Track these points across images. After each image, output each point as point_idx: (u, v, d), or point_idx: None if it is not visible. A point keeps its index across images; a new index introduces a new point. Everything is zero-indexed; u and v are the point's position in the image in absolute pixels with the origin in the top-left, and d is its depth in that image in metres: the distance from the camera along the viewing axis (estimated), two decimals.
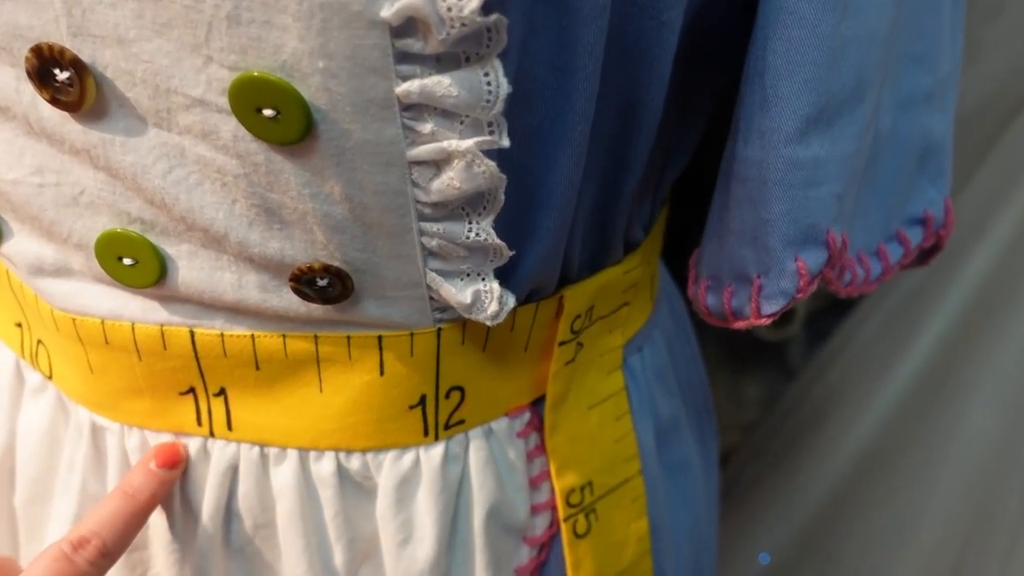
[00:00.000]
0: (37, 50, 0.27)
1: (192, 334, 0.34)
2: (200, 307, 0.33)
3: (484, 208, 0.29)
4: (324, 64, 0.25)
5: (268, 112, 0.26)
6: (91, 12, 0.26)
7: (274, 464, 0.37)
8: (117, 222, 0.31)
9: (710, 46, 0.34)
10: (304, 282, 0.31)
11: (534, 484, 0.41)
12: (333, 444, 0.36)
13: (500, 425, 0.39)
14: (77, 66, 0.27)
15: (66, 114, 0.29)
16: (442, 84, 0.25)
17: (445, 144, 0.26)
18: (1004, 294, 0.73)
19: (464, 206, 0.29)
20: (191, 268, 0.32)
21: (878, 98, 0.34)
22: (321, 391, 0.35)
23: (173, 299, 0.33)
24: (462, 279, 0.32)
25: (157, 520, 0.38)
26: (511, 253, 0.31)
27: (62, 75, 0.27)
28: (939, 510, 0.77)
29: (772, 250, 0.32)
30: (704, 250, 0.36)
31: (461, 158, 0.27)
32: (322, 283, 0.31)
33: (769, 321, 0.32)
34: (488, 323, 0.32)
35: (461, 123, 0.26)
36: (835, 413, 0.82)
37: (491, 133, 0.27)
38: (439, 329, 0.34)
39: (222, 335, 0.34)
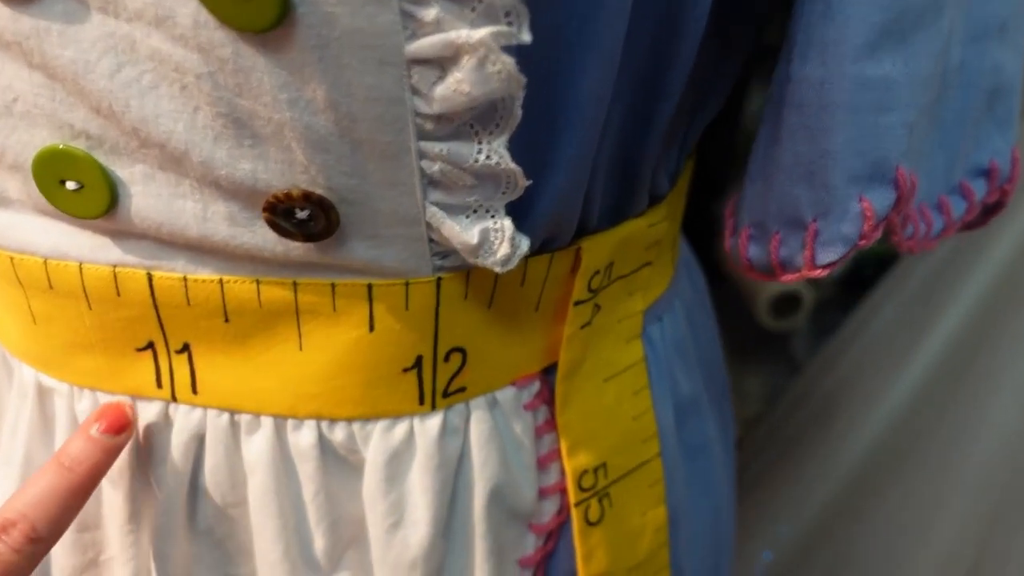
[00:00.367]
0: None
1: (150, 277, 0.29)
2: (159, 245, 0.28)
3: (497, 125, 0.24)
4: None
5: None
6: None
7: (246, 433, 0.32)
8: (58, 136, 0.26)
9: None
10: (280, 213, 0.26)
11: (542, 464, 0.36)
12: (314, 411, 0.31)
13: (506, 395, 0.34)
14: None
15: None
16: None
17: (453, 35, 0.22)
18: None
19: (473, 122, 0.24)
20: (147, 195, 0.27)
21: (952, 22, 0.29)
22: (301, 349, 0.30)
23: (127, 235, 0.28)
24: (468, 215, 0.27)
25: (112, 496, 0.33)
26: (527, 183, 0.26)
27: None
28: (955, 509, 0.75)
29: (832, 188, 0.27)
30: (746, 194, 0.31)
31: (472, 53, 0.22)
32: (302, 215, 0.26)
33: (824, 273, 0.27)
34: (497, 269, 0.28)
35: (472, 9, 0.22)
36: (844, 407, 0.79)
37: (509, 24, 0.22)
38: (439, 279, 0.30)
39: (185, 279, 0.29)
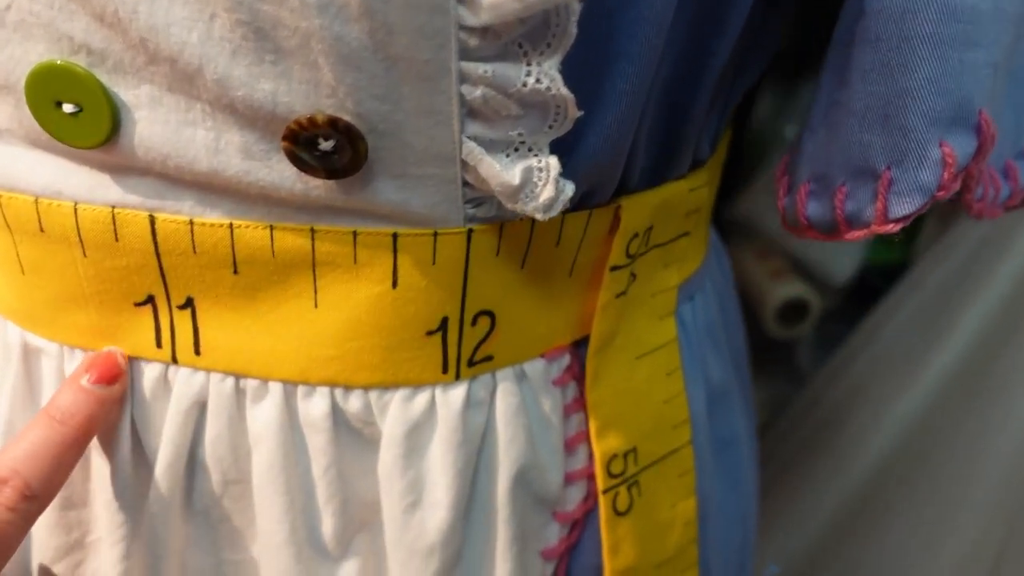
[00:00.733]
0: None
1: (152, 220, 0.26)
2: (164, 182, 0.26)
3: (548, 44, 0.22)
4: None
5: None
6: None
7: (252, 401, 0.29)
8: (56, 51, 0.23)
9: None
10: (303, 143, 0.23)
11: (569, 447, 0.33)
12: (328, 377, 0.28)
13: (535, 368, 0.31)
14: None
15: None
16: None
17: None
18: None
19: (521, 40, 0.22)
20: (152, 121, 0.24)
21: None
22: (316, 306, 0.27)
23: (129, 170, 0.25)
24: (508, 153, 0.24)
25: (101, 470, 0.30)
26: (579, 113, 0.23)
27: None
28: (966, 524, 0.73)
29: (911, 130, 0.24)
30: (804, 147, 0.28)
31: None
32: (326, 146, 0.23)
33: (896, 228, 0.25)
34: (538, 215, 0.25)
35: None
36: (852, 418, 0.78)
37: None
38: (470, 230, 0.27)
39: (191, 223, 0.26)
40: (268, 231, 0.26)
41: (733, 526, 0.43)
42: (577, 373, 0.33)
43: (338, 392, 0.29)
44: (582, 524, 0.34)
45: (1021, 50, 0.29)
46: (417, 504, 0.30)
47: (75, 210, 0.26)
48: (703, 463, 0.38)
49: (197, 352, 0.28)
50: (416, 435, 0.29)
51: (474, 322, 0.29)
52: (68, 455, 0.27)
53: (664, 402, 0.35)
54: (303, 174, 0.24)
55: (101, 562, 0.31)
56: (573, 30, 0.22)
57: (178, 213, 0.26)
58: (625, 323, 0.33)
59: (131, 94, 0.24)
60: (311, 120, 0.23)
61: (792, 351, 0.90)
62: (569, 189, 0.25)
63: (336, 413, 0.29)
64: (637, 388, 0.34)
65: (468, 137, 0.24)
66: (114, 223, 0.26)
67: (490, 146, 0.24)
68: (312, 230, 0.26)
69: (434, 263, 0.27)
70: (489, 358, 0.30)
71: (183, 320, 0.28)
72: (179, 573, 0.31)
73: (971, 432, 0.73)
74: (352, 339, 0.28)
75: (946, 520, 0.73)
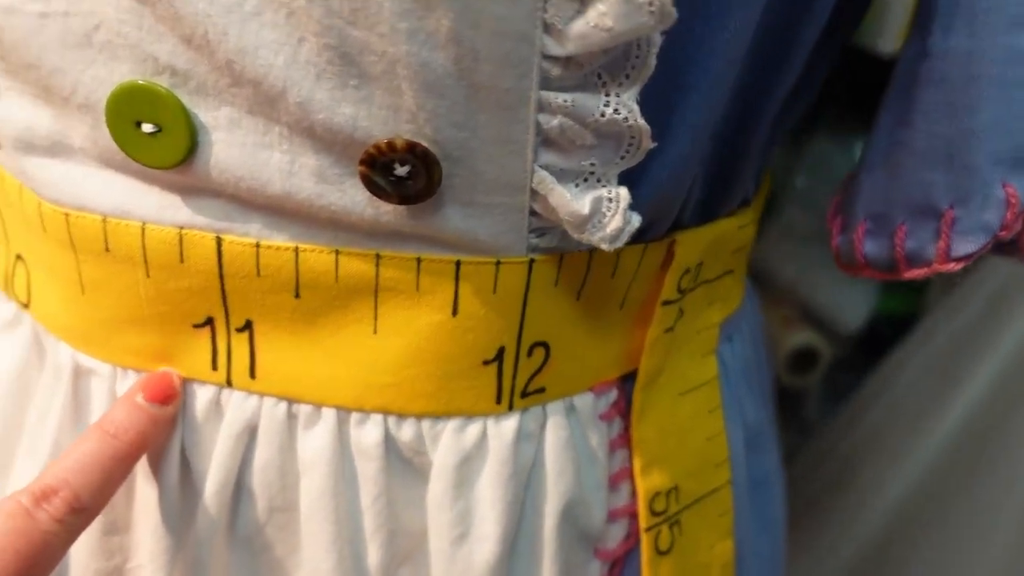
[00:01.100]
0: None
1: (219, 242, 0.26)
2: (233, 204, 0.26)
3: (627, 75, 0.22)
4: None
5: None
6: None
7: (304, 427, 0.29)
8: (139, 72, 0.24)
9: None
10: (379, 167, 0.24)
11: (613, 483, 0.33)
12: (383, 404, 0.28)
13: (584, 402, 0.31)
14: None
15: None
16: None
17: None
18: None
19: (601, 70, 0.22)
20: (229, 143, 0.24)
21: None
22: (375, 332, 0.27)
23: (199, 192, 0.26)
24: (578, 183, 0.25)
25: (146, 495, 0.30)
26: (652, 145, 0.24)
27: None
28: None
29: (976, 170, 0.25)
30: (862, 186, 0.29)
31: None
32: (401, 171, 0.24)
33: (958, 267, 0.25)
34: (604, 245, 0.25)
35: None
36: (864, 471, 0.77)
37: None
38: (531, 260, 0.27)
39: (257, 245, 0.26)
40: (333, 255, 0.26)
41: (765, 568, 0.42)
42: (623, 408, 0.33)
43: (391, 420, 0.29)
44: (622, 562, 0.34)
45: None
46: (465, 536, 0.30)
47: (143, 230, 0.26)
48: (740, 504, 0.38)
49: (252, 376, 0.28)
50: (467, 466, 0.29)
51: (530, 352, 0.29)
52: (118, 470, 0.26)
53: (706, 440, 0.35)
54: (374, 199, 0.25)
55: None
56: (653, 62, 0.22)
57: (245, 235, 0.26)
58: (671, 359, 0.33)
59: (210, 115, 0.24)
60: (390, 145, 0.23)
61: (800, 400, 0.89)
62: (636, 220, 0.25)
63: (388, 441, 0.29)
64: (680, 425, 0.34)
65: (540, 166, 0.24)
66: (181, 244, 0.26)
67: (561, 175, 0.24)
68: (377, 255, 0.26)
69: (495, 292, 0.27)
70: (541, 390, 0.30)
71: (240, 343, 0.28)
72: None
73: (987, 485, 0.72)
74: (409, 366, 0.28)
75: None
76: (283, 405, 0.29)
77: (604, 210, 0.25)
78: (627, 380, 0.33)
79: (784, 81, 0.28)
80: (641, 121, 0.23)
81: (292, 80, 0.22)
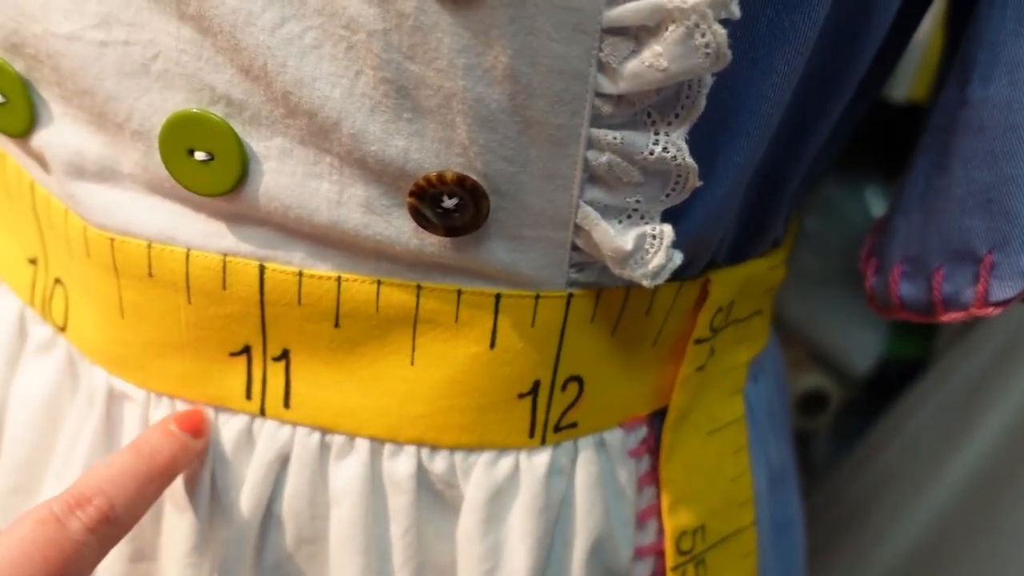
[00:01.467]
0: None
1: (262, 270, 0.26)
2: (278, 233, 0.26)
3: (677, 115, 0.23)
4: None
5: None
6: None
7: (336, 457, 0.29)
8: (195, 101, 0.24)
9: None
10: (428, 199, 0.24)
11: (640, 521, 0.33)
12: (417, 436, 0.28)
13: (614, 437, 0.31)
14: None
15: None
16: None
17: (664, 0, 0.20)
18: None
19: (651, 109, 0.23)
20: (280, 172, 0.24)
21: None
22: (413, 363, 0.28)
23: (245, 219, 0.26)
24: (621, 220, 0.25)
25: (174, 524, 0.30)
26: (698, 184, 0.24)
27: None
28: None
29: (1015, 216, 0.25)
30: (897, 229, 0.29)
31: (681, 22, 0.20)
32: (449, 203, 0.24)
33: (996, 312, 0.25)
34: (645, 282, 0.25)
35: None
36: (874, 515, 0.76)
37: None
38: (570, 295, 0.27)
39: (300, 274, 0.26)
40: (375, 286, 0.26)
41: None
42: (652, 445, 0.33)
43: (424, 452, 0.29)
44: None
45: None
46: (495, 571, 0.29)
47: (187, 256, 0.26)
48: (763, 545, 0.38)
49: (287, 405, 0.28)
50: (498, 500, 0.29)
51: (564, 387, 0.29)
52: (150, 488, 0.26)
53: (732, 480, 0.35)
54: (420, 230, 0.25)
55: None
56: (703, 103, 0.22)
57: (288, 264, 0.26)
58: (700, 398, 0.33)
59: (263, 145, 0.24)
60: (440, 177, 0.23)
61: (809, 443, 0.89)
62: (678, 258, 0.26)
63: (420, 473, 0.29)
64: (707, 464, 0.34)
65: (585, 201, 0.24)
66: (224, 271, 0.26)
67: (605, 211, 0.25)
68: (418, 287, 0.26)
69: (533, 325, 0.27)
70: (574, 425, 0.30)
71: (276, 372, 0.28)
72: None
73: (997, 534, 0.72)
74: (445, 398, 0.28)
75: None
76: (316, 435, 0.29)
77: (647, 247, 0.25)
78: (656, 417, 0.33)
79: (825, 124, 0.29)
80: (690, 160, 0.23)
81: (346, 112, 0.23)
